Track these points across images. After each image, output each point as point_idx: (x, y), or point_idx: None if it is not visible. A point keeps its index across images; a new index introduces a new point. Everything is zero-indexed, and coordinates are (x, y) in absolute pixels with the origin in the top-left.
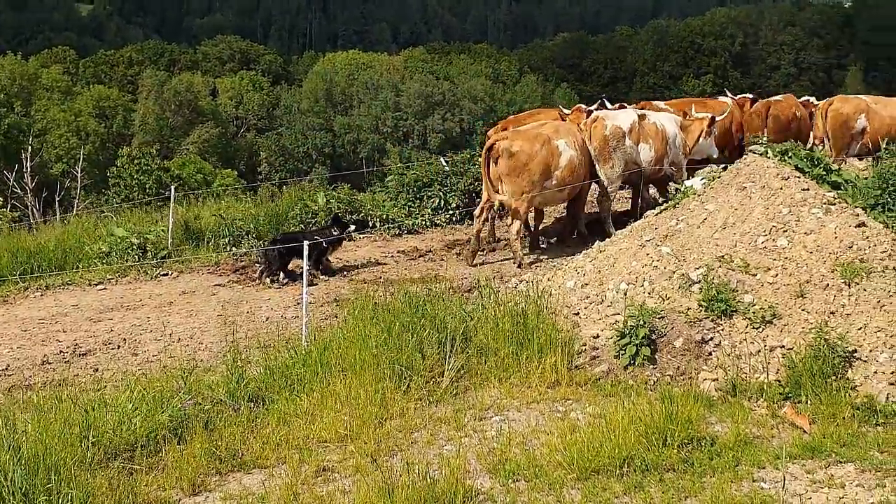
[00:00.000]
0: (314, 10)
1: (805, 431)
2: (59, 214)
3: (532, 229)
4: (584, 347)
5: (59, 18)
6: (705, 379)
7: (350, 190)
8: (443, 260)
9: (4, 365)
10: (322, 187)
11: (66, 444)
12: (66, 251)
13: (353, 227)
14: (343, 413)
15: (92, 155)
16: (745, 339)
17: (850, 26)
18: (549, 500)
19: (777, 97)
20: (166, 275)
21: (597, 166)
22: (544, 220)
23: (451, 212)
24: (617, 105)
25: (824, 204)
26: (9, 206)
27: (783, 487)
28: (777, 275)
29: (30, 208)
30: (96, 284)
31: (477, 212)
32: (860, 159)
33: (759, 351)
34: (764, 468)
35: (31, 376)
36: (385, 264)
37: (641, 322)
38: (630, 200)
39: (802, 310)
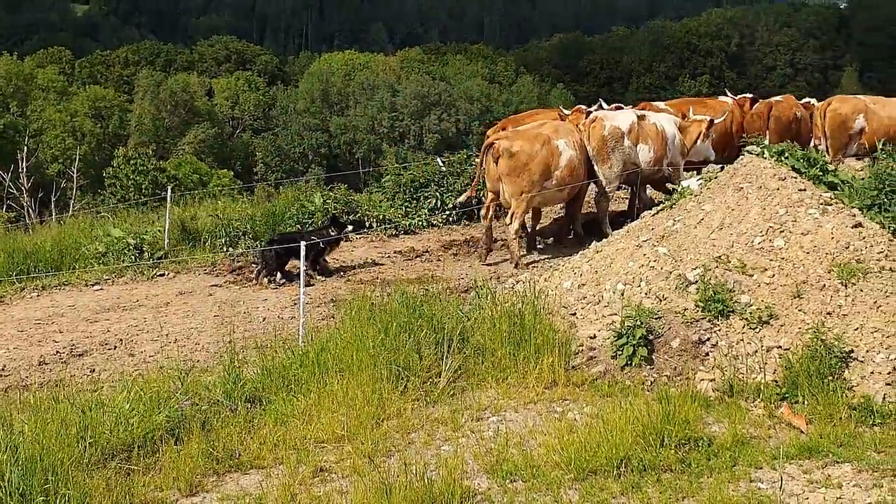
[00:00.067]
0: (310, 10)
1: (802, 432)
2: (55, 215)
3: (529, 230)
4: (581, 348)
5: (55, 19)
6: (702, 379)
7: (347, 190)
8: (439, 260)
9: (1, 366)
10: (319, 188)
11: (63, 444)
12: (63, 252)
13: (350, 228)
14: (340, 413)
15: (88, 155)
16: (742, 340)
17: (846, 27)
18: (546, 501)
19: (777, 98)
20: (163, 275)
21: (595, 166)
22: (541, 221)
23: (447, 212)
24: (613, 106)
25: (821, 204)
26: (4, 206)
27: (780, 487)
28: (774, 275)
29: (26, 209)
30: (93, 285)
31: (483, 211)
32: (858, 159)
33: (756, 351)
34: (761, 468)
35: (27, 377)
36: (382, 265)
37: (638, 322)
38: (627, 201)
39: (799, 310)
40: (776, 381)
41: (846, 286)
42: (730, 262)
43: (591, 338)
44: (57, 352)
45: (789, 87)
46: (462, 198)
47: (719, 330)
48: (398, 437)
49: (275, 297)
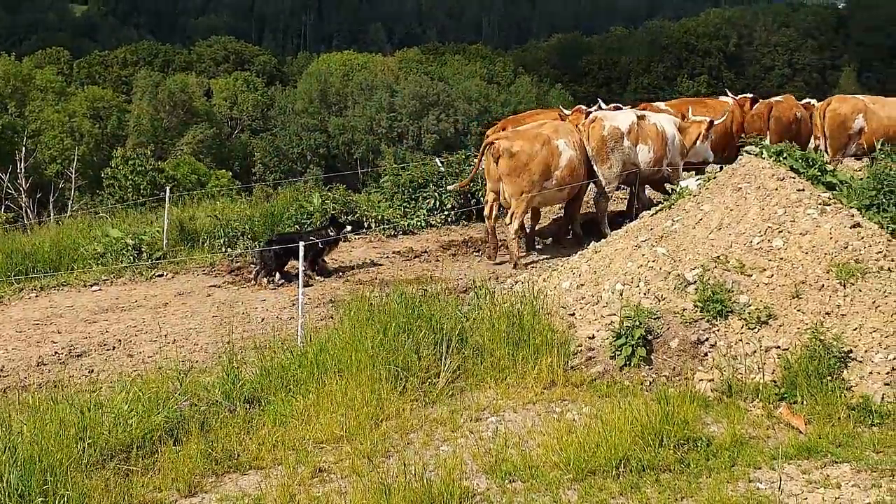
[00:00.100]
0: (308, 10)
1: (801, 432)
2: (54, 215)
3: (528, 230)
4: (579, 348)
5: (53, 19)
6: (701, 379)
7: (345, 191)
8: (438, 261)
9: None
10: (317, 188)
11: (61, 445)
12: (61, 252)
13: (349, 228)
14: (339, 414)
15: (86, 156)
16: (741, 340)
17: (844, 27)
18: (545, 501)
19: (777, 98)
20: (161, 276)
21: (594, 166)
22: (540, 222)
23: (446, 212)
24: (612, 106)
25: (819, 205)
26: (3, 207)
27: (779, 488)
28: (772, 275)
29: (24, 209)
30: (91, 285)
31: (486, 211)
32: (858, 159)
33: (755, 351)
34: (760, 468)
35: (26, 377)
36: (381, 265)
37: (637, 323)
38: (625, 201)
39: (798, 310)
40: (775, 382)
41: (845, 286)
42: (728, 262)
43: (589, 338)
44: (55, 352)
45: (787, 87)
46: (454, 186)
47: (718, 330)
48: (397, 437)
49: (273, 297)
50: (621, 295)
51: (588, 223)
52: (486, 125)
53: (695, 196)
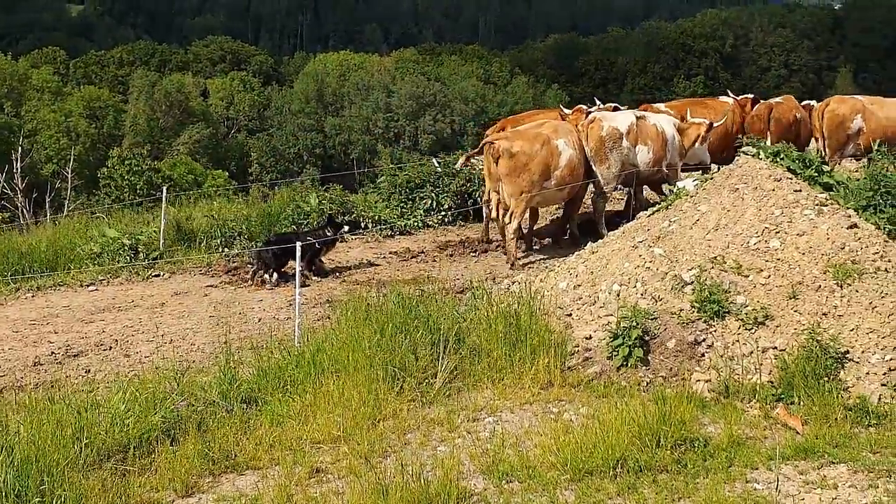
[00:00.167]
0: (305, 10)
1: (798, 432)
2: (50, 215)
3: (525, 230)
4: (576, 349)
5: (50, 19)
6: (698, 380)
7: (342, 191)
8: (435, 261)
9: None
10: (314, 188)
11: (58, 445)
12: (58, 252)
13: (346, 228)
14: (336, 414)
15: (82, 155)
16: (738, 341)
17: (841, 28)
18: (542, 501)
19: (777, 99)
20: (158, 276)
21: (593, 167)
22: (538, 222)
23: (443, 213)
24: (612, 106)
25: (816, 205)
26: None
27: (776, 488)
28: (769, 276)
29: (20, 209)
30: (88, 285)
31: (493, 213)
32: (857, 160)
33: (752, 352)
34: (757, 469)
35: (22, 377)
36: (377, 265)
37: (634, 323)
38: (623, 201)
39: (795, 311)
40: (772, 382)
41: (842, 287)
42: (725, 262)
43: (586, 338)
44: (52, 352)
45: (784, 88)
46: (460, 163)
47: (715, 331)
48: (394, 437)
49: (270, 297)
50: (618, 295)
51: (585, 223)
52: (483, 125)
53: (692, 197)
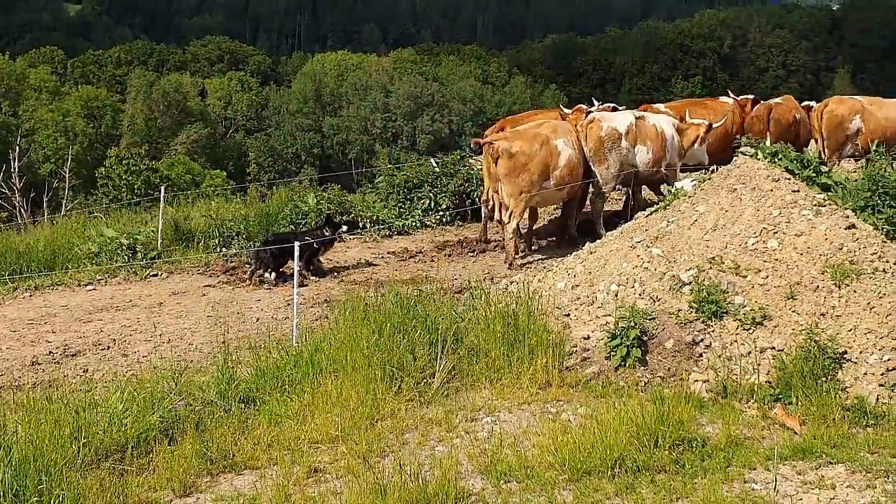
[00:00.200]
0: (303, 10)
1: (795, 433)
2: (48, 215)
3: (525, 230)
4: (574, 349)
5: (48, 18)
6: (696, 380)
7: (340, 191)
8: (433, 261)
9: None
10: (312, 188)
11: (56, 445)
12: (55, 252)
13: (345, 228)
14: (334, 414)
15: (80, 155)
16: (736, 341)
17: (839, 29)
18: (540, 501)
19: (777, 99)
20: (156, 275)
21: (592, 167)
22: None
23: (441, 213)
24: (610, 107)
25: (814, 206)
26: None
27: (774, 488)
28: (767, 276)
29: (18, 209)
30: (86, 285)
31: (497, 214)
32: (856, 160)
33: (750, 352)
34: (755, 469)
35: (20, 377)
36: (376, 265)
37: (632, 323)
38: (622, 201)
39: (793, 311)
40: (770, 382)
41: (840, 287)
42: (723, 263)
43: (584, 339)
44: (50, 352)
45: (782, 89)
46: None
47: (713, 331)
48: (392, 437)
49: (268, 297)
50: (616, 296)
51: (583, 223)
52: (483, 126)
53: (690, 197)
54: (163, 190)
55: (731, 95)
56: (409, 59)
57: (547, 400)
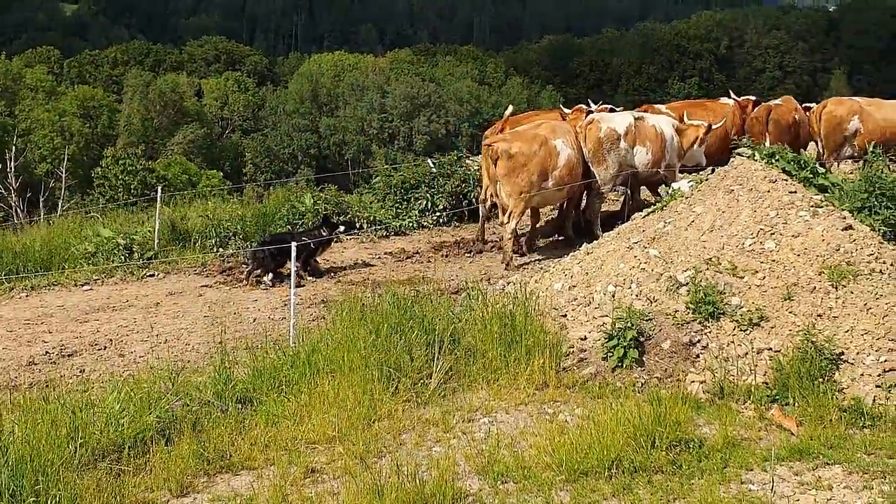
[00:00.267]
0: (300, 11)
1: (792, 433)
2: (44, 215)
3: (526, 230)
4: (571, 349)
5: (44, 18)
6: (693, 381)
7: (337, 191)
8: (430, 261)
9: None
10: (309, 188)
11: (53, 445)
12: (52, 252)
13: (342, 228)
14: (331, 414)
15: (76, 155)
16: (733, 342)
17: (835, 30)
18: (537, 502)
19: (777, 101)
20: (153, 276)
21: (591, 167)
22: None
23: (438, 214)
24: (608, 108)
25: (811, 207)
26: None
27: (771, 489)
28: (764, 277)
29: (14, 209)
30: (82, 285)
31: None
32: (855, 161)
33: (747, 353)
34: (752, 470)
35: (17, 377)
36: (372, 266)
37: (629, 324)
38: (619, 202)
39: (790, 312)
40: (767, 383)
41: (836, 288)
42: (720, 264)
43: (581, 339)
44: (46, 352)
45: (778, 90)
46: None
47: (710, 332)
48: (389, 438)
49: (265, 297)
50: (613, 296)
51: (580, 224)
52: (482, 126)
53: (687, 198)
54: (159, 190)
55: (733, 96)
56: (406, 59)
57: (544, 400)
